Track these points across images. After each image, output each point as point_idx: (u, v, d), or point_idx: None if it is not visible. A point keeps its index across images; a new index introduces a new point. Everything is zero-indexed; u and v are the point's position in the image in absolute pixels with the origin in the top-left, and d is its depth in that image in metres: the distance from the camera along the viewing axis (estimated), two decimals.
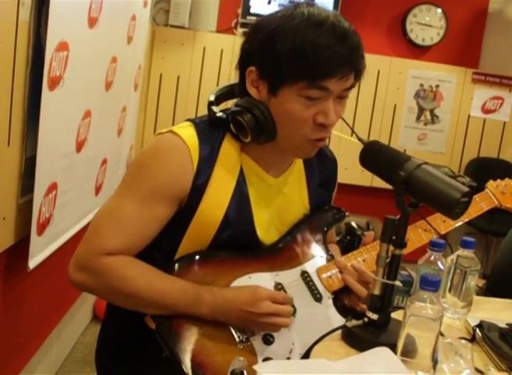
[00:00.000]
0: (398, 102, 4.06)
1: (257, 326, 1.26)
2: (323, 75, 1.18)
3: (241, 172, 1.32)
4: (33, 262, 1.99)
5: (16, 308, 2.13)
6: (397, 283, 1.14)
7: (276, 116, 1.25)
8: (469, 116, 4.12)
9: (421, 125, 4.10)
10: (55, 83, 1.92)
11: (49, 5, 1.79)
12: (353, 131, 1.27)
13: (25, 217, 1.94)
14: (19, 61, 1.77)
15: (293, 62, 1.18)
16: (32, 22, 1.82)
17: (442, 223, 1.45)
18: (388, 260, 1.14)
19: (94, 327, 3.27)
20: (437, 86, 4.06)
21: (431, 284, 1.01)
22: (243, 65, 1.30)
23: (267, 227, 1.36)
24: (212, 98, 1.35)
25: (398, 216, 1.15)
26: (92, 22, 2.18)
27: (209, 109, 1.33)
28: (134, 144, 3.58)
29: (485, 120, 4.14)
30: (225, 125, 1.30)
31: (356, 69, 1.23)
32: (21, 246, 1.95)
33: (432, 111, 4.09)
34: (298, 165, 1.43)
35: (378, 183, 4.08)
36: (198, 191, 1.27)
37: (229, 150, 1.30)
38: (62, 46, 1.92)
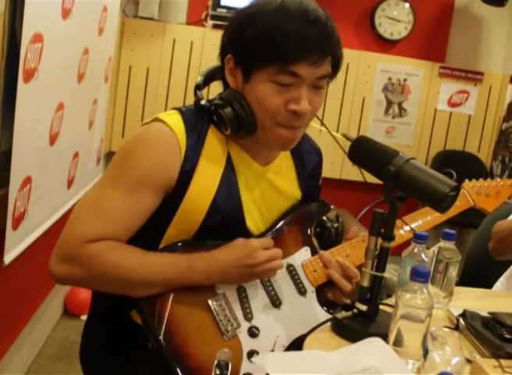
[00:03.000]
0: (367, 96, 4.11)
1: (256, 276, 1.28)
2: (292, 59, 1.18)
3: (228, 158, 1.32)
4: (8, 257, 1.96)
5: None
6: (386, 275, 1.16)
7: (251, 103, 1.25)
8: (436, 109, 4.20)
9: (389, 118, 4.16)
10: (29, 75, 1.89)
11: None
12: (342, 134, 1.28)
13: (0, 212, 1.90)
14: None
15: (262, 45, 1.19)
16: (7, 13, 1.78)
17: (426, 219, 1.47)
18: (376, 253, 1.17)
19: (64, 322, 3.24)
20: (405, 80, 4.12)
21: (421, 275, 1.04)
22: (222, 54, 1.31)
23: (254, 215, 1.36)
24: (199, 80, 1.34)
25: (383, 210, 1.17)
26: (66, 13, 2.15)
27: (195, 94, 1.33)
28: (104, 137, 3.54)
29: (451, 113, 4.22)
30: (209, 113, 1.30)
31: (329, 55, 1.23)
32: None
33: (399, 104, 4.15)
34: (286, 155, 1.43)
35: (347, 175, 4.14)
36: (185, 178, 1.26)
37: (215, 137, 1.30)
38: (37, 38, 1.89)
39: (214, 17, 3.85)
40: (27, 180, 2.03)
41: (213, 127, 1.31)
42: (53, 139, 2.27)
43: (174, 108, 1.33)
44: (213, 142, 1.30)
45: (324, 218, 4.38)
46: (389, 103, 4.14)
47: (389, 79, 4.11)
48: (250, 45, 1.21)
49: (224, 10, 3.82)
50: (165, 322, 1.23)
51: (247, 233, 1.34)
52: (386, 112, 4.15)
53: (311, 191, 1.47)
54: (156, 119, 1.29)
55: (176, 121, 1.27)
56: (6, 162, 1.86)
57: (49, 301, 2.97)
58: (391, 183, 1.12)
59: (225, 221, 1.30)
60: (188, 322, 1.24)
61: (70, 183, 2.73)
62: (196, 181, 1.26)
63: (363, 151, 1.21)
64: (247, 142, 1.32)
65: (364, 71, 4.06)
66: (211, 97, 1.34)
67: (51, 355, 2.89)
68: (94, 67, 2.78)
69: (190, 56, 3.93)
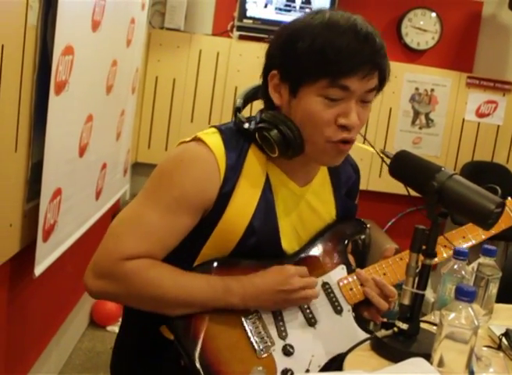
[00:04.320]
0: (393, 106, 4.07)
1: (291, 303, 1.27)
2: (343, 73, 1.17)
3: (267, 180, 1.30)
4: (38, 269, 1.96)
5: (21, 315, 2.10)
6: (427, 293, 1.13)
7: (297, 119, 1.24)
8: (463, 119, 4.14)
9: (416, 129, 4.11)
10: (61, 87, 1.90)
11: (57, 8, 1.77)
12: (376, 150, 1.26)
13: (30, 223, 1.91)
14: (26, 66, 1.74)
15: (312, 59, 1.18)
16: (39, 26, 1.79)
17: (462, 239, 1.44)
18: (418, 270, 1.14)
19: (91, 333, 3.24)
20: (432, 90, 4.07)
21: (467, 294, 1.01)
22: (266, 70, 1.29)
23: (290, 236, 1.35)
24: (239, 103, 1.34)
25: (424, 226, 1.14)
26: (95, 25, 2.16)
27: (235, 116, 1.32)
28: (130, 148, 3.55)
29: (479, 124, 4.16)
30: (252, 135, 1.29)
31: (379, 68, 1.22)
32: (26, 253, 1.93)
33: (427, 115, 4.10)
34: (324, 174, 1.41)
35: (374, 186, 4.10)
36: (224, 199, 1.25)
37: (255, 158, 1.29)
38: (68, 50, 1.90)
39: (240, 28, 3.85)
40: (58, 192, 2.04)
41: (254, 148, 1.30)
42: (82, 151, 2.28)
43: (213, 126, 1.32)
44: (253, 163, 1.29)
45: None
46: (416, 114, 4.10)
47: (416, 89, 4.07)
48: (300, 60, 1.20)
49: (250, 21, 3.82)
50: (198, 339, 1.22)
51: (281, 254, 1.34)
52: (413, 122, 4.10)
53: (347, 211, 1.45)
54: (195, 139, 1.28)
55: (215, 141, 1.26)
56: (37, 174, 1.87)
57: (76, 312, 2.98)
58: (434, 199, 1.09)
59: (260, 243, 1.29)
60: (222, 340, 1.23)
61: (98, 194, 2.73)
62: (234, 203, 1.26)
63: (404, 166, 1.18)
64: (285, 163, 1.31)
65: (390, 81, 4.01)
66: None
67: (77, 366, 2.89)
68: (121, 79, 2.80)
69: (216, 67, 3.93)
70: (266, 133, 1.24)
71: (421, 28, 4.03)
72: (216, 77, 3.93)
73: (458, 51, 4.15)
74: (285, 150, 1.25)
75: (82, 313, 3.18)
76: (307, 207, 1.37)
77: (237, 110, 1.32)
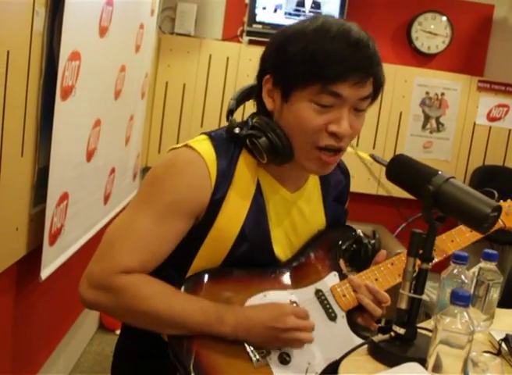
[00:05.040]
0: (404, 110, 4.05)
1: (281, 343, 1.23)
2: (333, 78, 1.16)
3: (258, 186, 1.30)
4: (45, 273, 1.98)
5: (28, 318, 2.12)
6: (424, 297, 1.13)
7: (288, 125, 1.23)
8: (474, 123, 4.12)
9: (426, 133, 4.09)
10: (67, 92, 1.91)
11: (63, 14, 1.79)
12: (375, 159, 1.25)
13: (37, 227, 1.93)
14: (32, 71, 1.76)
15: (303, 63, 1.17)
16: (45, 32, 1.81)
17: (450, 243, 1.43)
18: (414, 274, 1.14)
19: (100, 336, 3.26)
20: (442, 94, 4.05)
21: (462, 299, 1.00)
22: (260, 75, 1.29)
23: (283, 243, 1.35)
24: (232, 105, 1.32)
25: (422, 230, 1.14)
26: (103, 31, 2.18)
27: (228, 119, 1.31)
28: (140, 153, 3.57)
29: (490, 128, 4.13)
30: (242, 140, 1.28)
31: (372, 76, 1.20)
32: (33, 256, 1.94)
33: (437, 119, 4.08)
34: (314, 180, 1.41)
35: (384, 191, 4.08)
36: (215, 206, 1.24)
37: (246, 164, 1.28)
38: (75, 55, 1.92)
39: (249, 33, 3.86)
40: (64, 196, 2.06)
41: (245, 153, 1.29)
42: (90, 155, 2.29)
43: (203, 133, 1.31)
44: (244, 169, 1.28)
45: (361, 234, 4.31)
46: (427, 118, 4.08)
47: (427, 93, 4.05)
48: (291, 63, 1.19)
49: (259, 26, 3.83)
50: (193, 352, 1.21)
51: (274, 261, 1.33)
52: (424, 127, 4.09)
53: (337, 217, 1.45)
54: (186, 146, 1.27)
55: (206, 148, 1.26)
56: (44, 179, 1.89)
57: (85, 316, 3.00)
58: (430, 203, 1.09)
59: (252, 249, 1.28)
60: (217, 350, 1.21)
61: (107, 198, 2.75)
62: (225, 210, 1.25)
63: (401, 170, 1.18)
64: (276, 169, 1.30)
65: (400, 85, 4.02)
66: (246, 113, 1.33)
67: (86, 369, 2.91)
68: (130, 84, 2.82)
69: (225, 72, 3.95)
70: (255, 140, 1.24)
71: (432, 32, 4.02)
72: (226, 82, 3.94)
73: (469, 54, 4.13)
74: (273, 157, 1.25)
75: (91, 317, 3.20)
76: (298, 213, 1.36)
77: (230, 112, 1.31)
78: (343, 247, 1.43)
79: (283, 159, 1.25)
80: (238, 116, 1.34)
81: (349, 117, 1.20)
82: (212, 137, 1.29)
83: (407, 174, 1.16)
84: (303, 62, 1.17)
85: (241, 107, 1.38)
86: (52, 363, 2.48)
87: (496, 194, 1.19)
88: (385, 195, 3.97)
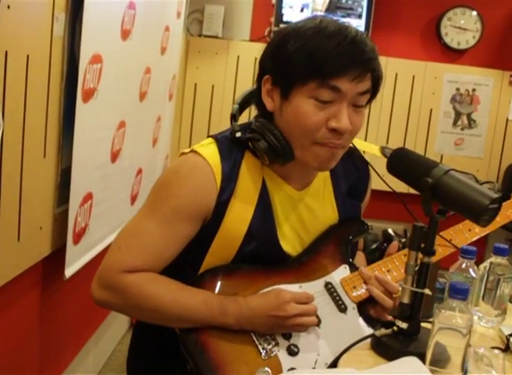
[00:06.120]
0: (434, 107, 4.00)
1: (285, 329, 1.26)
2: (332, 73, 1.18)
3: (263, 185, 1.32)
4: (69, 271, 2.03)
5: (53, 316, 2.17)
6: (427, 291, 1.12)
7: (288, 123, 1.25)
8: (507, 119, 4.03)
9: (457, 130, 4.03)
10: (89, 95, 1.96)
11: (82, 18, 1.83)
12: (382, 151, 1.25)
13: (61, 227, 1.98)
14: (53, 75, 1.81)
15: (302, 60, 1.19)
16: (66, 36, 1.86)
17: (468, 232, 1.42)
18: (417, 268, 1.13)
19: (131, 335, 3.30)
20: (473, 90, 3.99)
21: (459, 292, 1.00)
22: (259, 76, 1.32)
23: (292, 239, 1.36)
24: (235, 109, 1.35)
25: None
26: (125, 34, 2.22)
27: (231, 123, 1.34)
28: (170, 154, 3.62)
29: None
30: (245, 143, 1.31)
31: (370, 71, 1.22)
32: (57, 255, 1.99)
33: (468, 115, 4.02)
34: (324, 176, 1.41)
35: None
36: (222, 207, 1.28)
37: (250, 165, 1.31)
38: (96, 58, 1.96)
39: None
40: (88, 196, 2.10)
41: (249, 154, 1.32)
42: (115, 156, 2.34)
43: (210, 136, 1.35)
44: (248, 170, 1.31)
45: (391, 232, 4.26)
46: (458, 114, 4.02)
47: (457, 89, 3.99)
48: (290, 61, 1.21)
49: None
50: (202, 344, 1.24)
51: (284, 257, 1.35)
52: (455, 123, 4.03)
53: (350, 212, 1.45)
54: (192, 151, 1.31)
55: (211, 152, 1.29)
56: (67, 179, 1.94)
57: (115, 315, 3.05)
58: (429, 195, 1.08)
59: (260, 246, 1.31)
60: (225, 342, 1.25)
61: (134, 198, 2.80)
62: (232, 210, 1.28)
63: (401, 162, 1.17)
64: (280, 168, 1.32)
65: (430, 82, 3.97)
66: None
67: (116, 367, 2.96)
68: (156, 86, 2.85)
69: (254, 72, 3.96)
70: (255, 143, 1.27)
71: (462, 27, 3.96)
72: (254, 83, 3.96)
73: (500, 49, 4.05)
74: (274, 158, 1.28)
75: (122, 316, 3.25)
76: (306, 210, 1.38)
77: (233, 117, 1.34)
78: (354, 240, 1.43)
79: (284, 159, 1.28)
80: (245, 119, 1.36)
81: (348, 113, 1.21)
82: (218, 139, 1.33)
83: (407, 167, 1.16)
84: (302, 59, 1.19)
85: (249, 109, 1.40)
86: (81, 361, 2.53)
87: (497, 186, 1.17)
88: (416, 194, 3.93)
